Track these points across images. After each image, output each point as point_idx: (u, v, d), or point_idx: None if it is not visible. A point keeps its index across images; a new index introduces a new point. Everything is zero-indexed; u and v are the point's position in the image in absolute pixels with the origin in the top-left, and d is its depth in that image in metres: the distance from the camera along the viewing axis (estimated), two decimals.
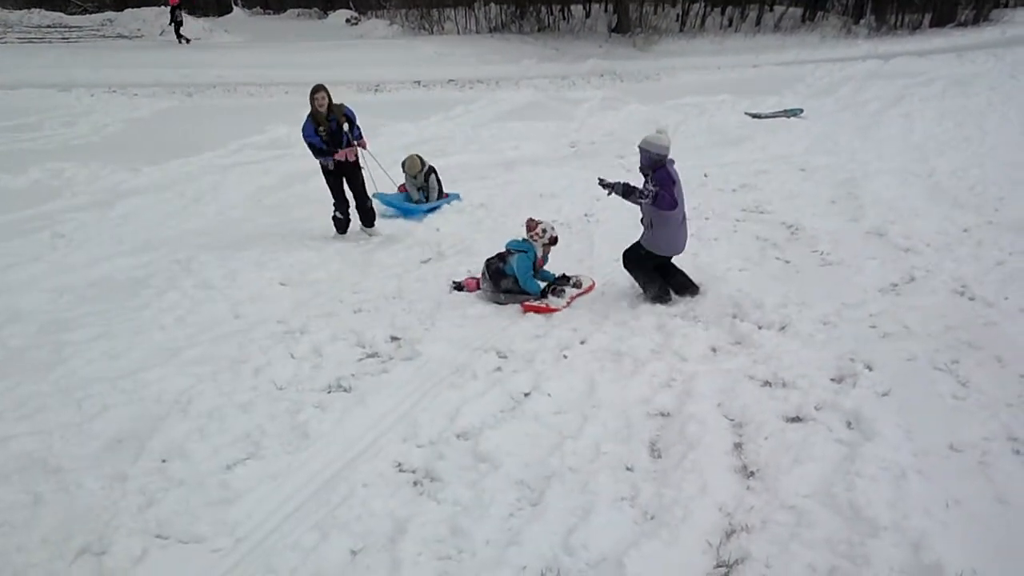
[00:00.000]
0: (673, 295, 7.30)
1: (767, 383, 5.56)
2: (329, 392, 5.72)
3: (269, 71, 25.20)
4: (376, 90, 22.18)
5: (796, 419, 5.04)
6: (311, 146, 9.09)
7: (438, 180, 11.22)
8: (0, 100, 19.39)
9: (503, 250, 7.64)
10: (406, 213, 10.75)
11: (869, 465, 4.38)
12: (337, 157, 9.12)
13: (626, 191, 6.99)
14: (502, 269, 7.49)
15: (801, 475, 4.36)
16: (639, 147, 7.05)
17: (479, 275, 7.71)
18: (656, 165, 6.94)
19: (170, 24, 32.37)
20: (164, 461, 4.82)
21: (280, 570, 3.83)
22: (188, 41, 32.14)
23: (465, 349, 6.37)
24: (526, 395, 5.54)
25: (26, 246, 9.28)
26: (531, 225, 7.65)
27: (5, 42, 31.48)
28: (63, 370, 6.12)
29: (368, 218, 9.79)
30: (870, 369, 5.63)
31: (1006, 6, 42.48)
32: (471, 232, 9.81)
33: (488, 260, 7.61)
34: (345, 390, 5.74)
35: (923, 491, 4.15)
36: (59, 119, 17.55)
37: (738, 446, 4.79)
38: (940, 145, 14.40)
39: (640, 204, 7.03)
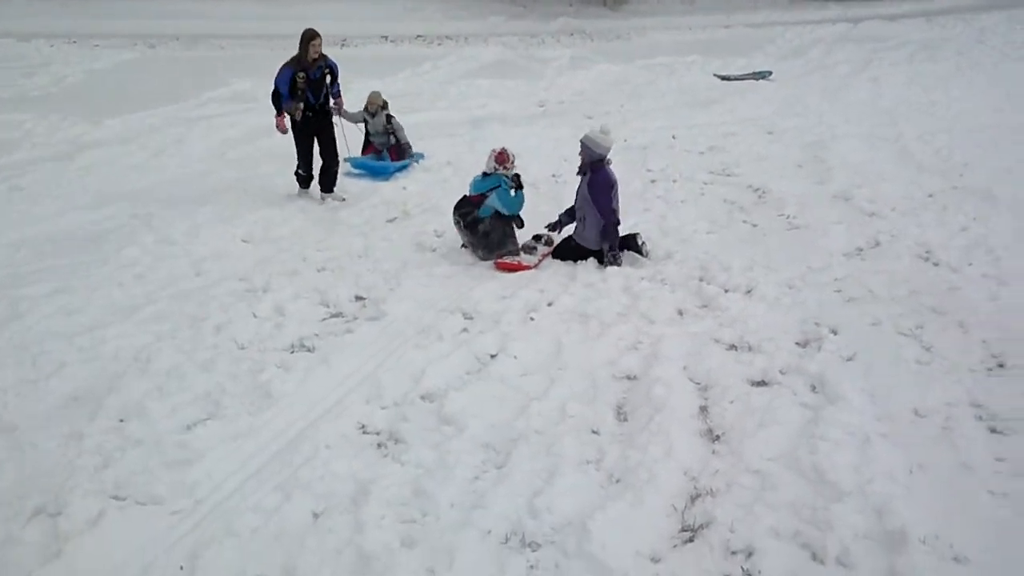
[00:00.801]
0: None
1: (733, 347, 5.54)
2: (292, 352, 5.62)
3: (232, 23, 24.72)
4: (342, 45, 21.79)
5: (761, 383, 5.03)
6: (276, 94, 8.79)
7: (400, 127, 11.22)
8: None
9: (469, 195, 7.56)
10: (375, 173, 10.59)
11: (833, 429, 4.37)
12: (278, 125, 8.94)
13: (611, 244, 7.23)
14: (476, 216, 7.40)
15: (766, 439, 4.34)
16: (581, 141, 7.25)
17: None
18: (595, 163, 7.16)
19: None
20: (122, 420, 4.70)
21: (241, 532, 3.74)
22: None
23: (431, 309, 6.29)
24: (492, 357, 5.48)
25: None
26: (502, 157, 7.51)
27: None
28: (18, 326, 5.97)
29: (330, 182, 9.46)
30: (835, 333, 5.64)
31: None
32: (438, 191, 9.70)
33: (459, 210, 7.53)
34: (308, 350, 5.64)
35: (887, 456, 4.15)
36: (17, 70, 17.17)
37: (704, 409, 4.78)
38: (908, 110, 14.45)
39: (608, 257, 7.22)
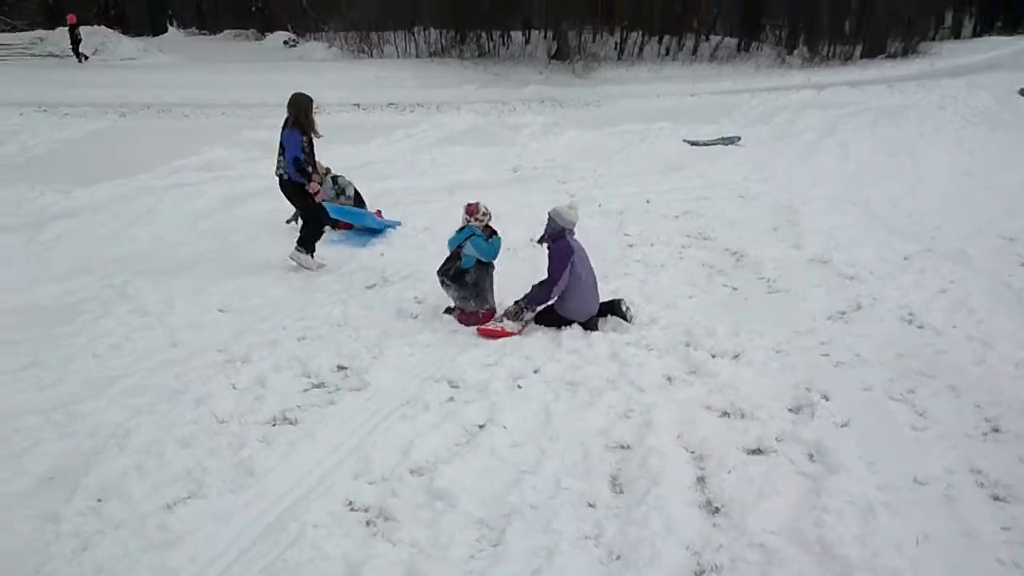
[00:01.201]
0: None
1: (725, 413, 5.47)
2: (274, 425, 5.45)
3: (205, 92, 24.73)
4: (315, 112, 21.86)
5: (757, 451, 4.95)
6: (299, 164, 8.79)
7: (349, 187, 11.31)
8: None
9: (448, 253, 7.57)
10: (356, 220, 10.58)
11: (835, 499, 4.30)
12: (311, 190, 8.92)
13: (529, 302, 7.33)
14: (459, 267, 7.40)
15: (767, 510, 4.25)
16: (548, 214, 7.34)
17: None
18: (557, 235, 7.25)
19: (71, 44, 32.55)
20: (100, 500, 4.51)
21: None
22: (87, 58, 32.51)
23: (415, 378, 6.17)
24: (480, 427, 5.35)
25: None
26: (472, 209, 7.57)
27: None
28: None
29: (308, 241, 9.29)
30: (827, 399, 5.60)
31: (933, 39, 43.90)
32: (416, 257, 9.62)
33: (442, 270, 7.52)
34: (291, 423, 5.48)
35: (891, 526, 4.07)
36: None
37: (701, 480, 4.67)
38: (874, 174, 14.74)
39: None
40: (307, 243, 9.19)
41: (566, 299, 7.23)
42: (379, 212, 11.42)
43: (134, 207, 11.96)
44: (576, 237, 7.40)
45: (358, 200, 11.34)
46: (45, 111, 20.80)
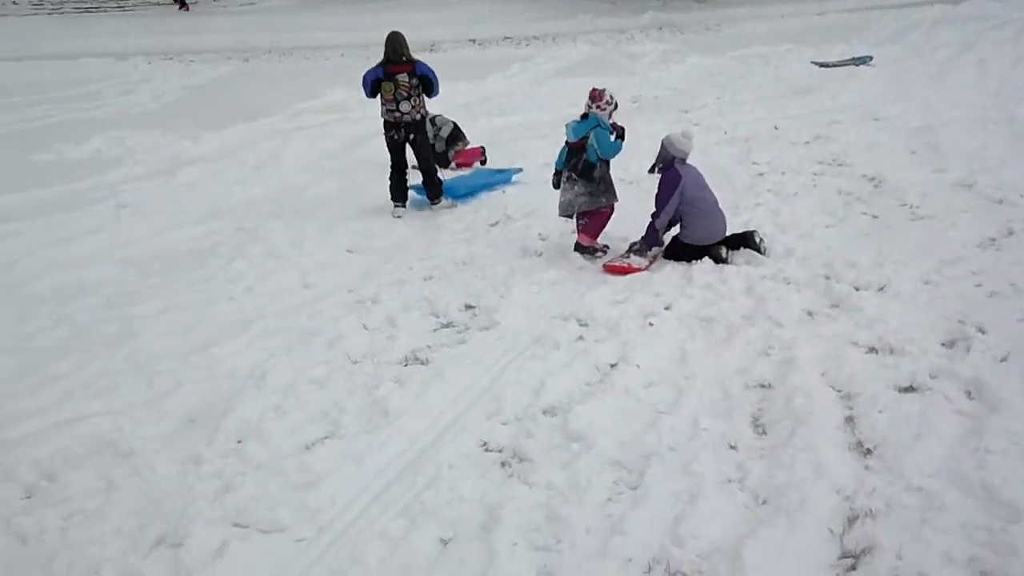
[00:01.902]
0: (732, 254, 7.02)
1: (873, 349, 5.15)
2: (406, 365, 5.45)
3: (323, 34, 24.98)
4: (431, 49, 21.80)
5: (910, 389, 4.63)
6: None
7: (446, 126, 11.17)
8: (58, 70, 19.34)
9: (569, 142, 7.33)
10: (477, 187, 10.03)
11: (998, 439, 3.98)
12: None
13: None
14: (587, 161, 7.15)
15: (924, 452, 3.97)
16: (661, 141, 7.08)
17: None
18: (668, 164, 7.00)
19: None
20: (240, 442, 4.59)
21: (368, 561, 3.56)
22: (188, 7, 32.66)
23: (544, 317, 6.06)
24: (612, 366, 5.20)
25: (89, 217, 9.07)
26: (597, 94, 7.25)
27: (62, 12, 31.65)
28: (132, 345, 5.92)
29: (434, 191, 9.24)
30: (983, 332, 5.22)
31: None
32: (539, 194, 9.44)
33: (569, 165, 7.31)
34: (422, 363, 5.47)
35: None
36: (118, 88, 17.54)
37: (850, 420, 4.41)
38: (1018, 91, 13.77)
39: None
40: (439, 192, 9.26)
41: (687, 226, 7.01)
42: (480, 151, 11.25)
43: (261, 151, 12.18)
44: (692, 164, 7.13)
45: (453, 137, 11.13)
46: (171, 59, 21.36)
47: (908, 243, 7.08)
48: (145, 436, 4.71)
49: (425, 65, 8.80)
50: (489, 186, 10.05)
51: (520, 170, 10.43)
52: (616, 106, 7.32)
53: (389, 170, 9.03)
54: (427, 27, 25.37)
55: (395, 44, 8.66)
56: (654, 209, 7.07)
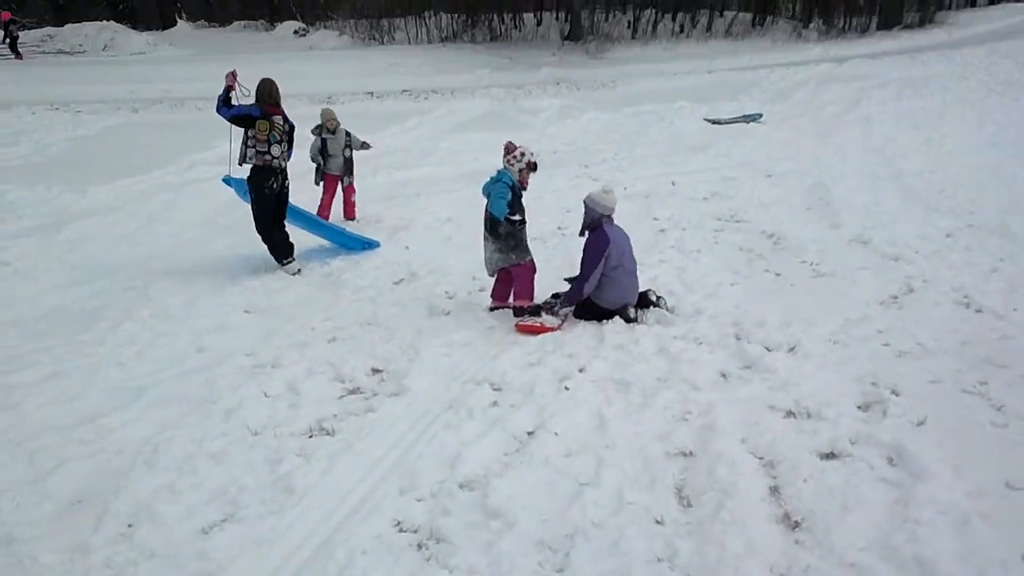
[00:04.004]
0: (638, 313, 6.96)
1: (791, 414, 5.10)
2: (311, 436, 5.13)
3: (217, 85, 24.41)
4: (328, 101, 21.55)
5: (831, 456, 4.57)
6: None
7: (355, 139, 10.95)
8: None
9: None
10: (330, 236, 9.58)
11: (926, 510, 3.93)
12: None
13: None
14: (492, 217, 6.95)
15: (853, 524, 3.89)
16: (584, 202, 6.98)
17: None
18: (595, 224, 6.91)
19: (3, 41, 32.17)
20: (131, 526, 4.21)
21: None
22: (21, 57, 31.83)
23: (455, 381, 5.85)
24: (530, 434, 5.01)
25: None
26: (509, 148, 7.07)
27: None
28: (11, 417, 5.47)
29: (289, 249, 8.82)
30: (896, 394, 5.24)
31: (949, 8, 43.36)
32: (442, 250, 9.35)
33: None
34: (328, 433, 5.16)
35: (992, 540, 3.70)
36: None
37: (775, 490, 4.30)
38: (902, 148, 14.55)
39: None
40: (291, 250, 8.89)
41: (602, 288, 6.92)
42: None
43: (152, 205, 11.75)
44: (618, 225, 7.08)
45: (349, 166, 10.86)
46: (57, 109, 20.59)
47: (812, 301, 7.17)
48: (26, 520, 4.31)
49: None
50: (340, 243, 9.57)
51: (378, 244, 9.67)
52: (530, 166, 7.06)
53: (261, 228, 8.61)
54: (324, 78, 25.18)
55: (272, 88, 8.46)
56: (579, 271, 6.95)
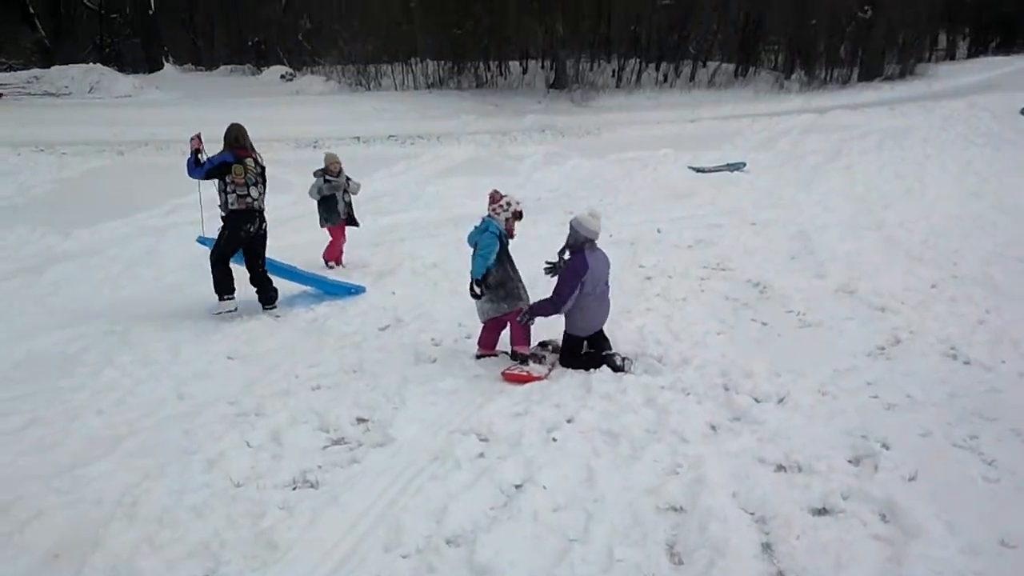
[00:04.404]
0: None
1: (781, 467, 5.03)
2: (294, 488, 5.02)
3: (203, 128, 24.41)
4: (315, 146, 21.55)
5: (823, 511, 4.51)
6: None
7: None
8: None
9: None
10: (314, 284, 9.54)
11: (919, 568, 3.88)
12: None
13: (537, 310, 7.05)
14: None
15: None
16: (570, 224, 6.99)
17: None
18: (578, 248, 6.90)
19: None
20: None
21: None
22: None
23: (442, 431, 5.75)
24: (517, 487, 4.91)
25: None
26: (495, 196, 7.09)
27: None
28: None
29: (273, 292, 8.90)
30: (887, 448, 5.19)
31: (929, 61, 44.11)
32: (428, 295, 9.29)
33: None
34: (312, 485, 5.04)
35: None
36: None
37: (767, 547, 4.22)
38: (884, 197, 14.70)
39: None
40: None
41: (571, 314, 6.92)
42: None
43: (135, 248, 11.68)
44: (600, 249, 7.06)
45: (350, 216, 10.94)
46: (42, 151, 20.47)
47: (800, 352, 7.14)
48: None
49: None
50: (325, 290, 9.49)
51: (363, 290, 9.63)
52: (516, 214, 7.10)
53: (215, 258, 8.57)
54: (310, 123, 25.19)
55: (240, 132, 8.62)
56: (553, 290, 6.94)
